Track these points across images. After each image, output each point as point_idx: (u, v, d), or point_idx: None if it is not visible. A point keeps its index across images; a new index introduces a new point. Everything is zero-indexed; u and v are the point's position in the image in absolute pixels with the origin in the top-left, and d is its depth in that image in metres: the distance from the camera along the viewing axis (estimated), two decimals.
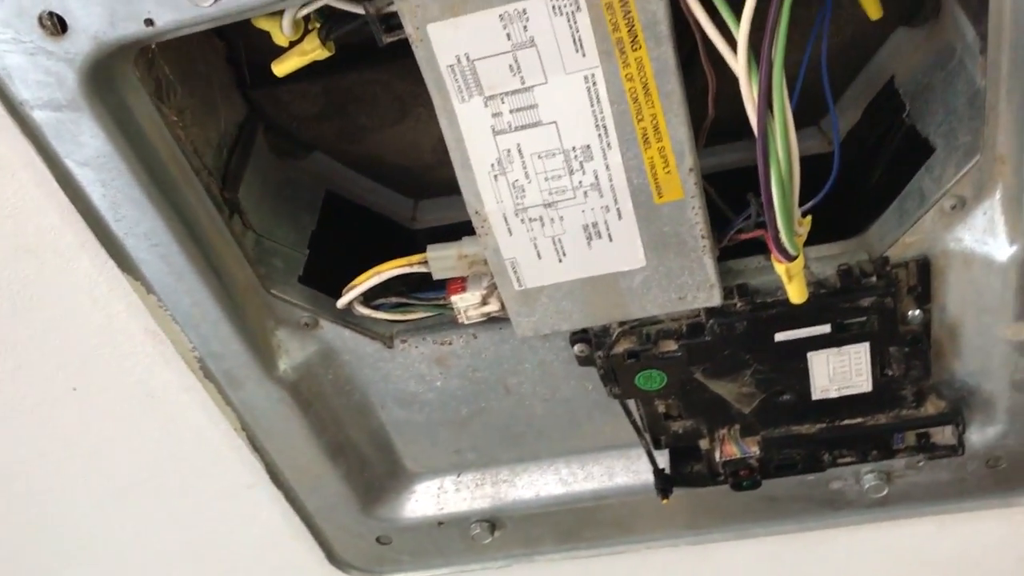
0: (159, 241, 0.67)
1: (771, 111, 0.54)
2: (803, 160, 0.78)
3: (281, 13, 0.59)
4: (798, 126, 0.80)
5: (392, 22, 0.59)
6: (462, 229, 0.69)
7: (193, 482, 0.88)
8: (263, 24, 0.61)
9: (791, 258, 0.60)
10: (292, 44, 0.62)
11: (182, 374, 0.76)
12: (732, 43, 0.55)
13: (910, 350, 0.72)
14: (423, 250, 0.72)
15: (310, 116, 0.82)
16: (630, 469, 0.86)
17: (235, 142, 0.78)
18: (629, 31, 0.56)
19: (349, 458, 0.85)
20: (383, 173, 0.87)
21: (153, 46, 0.65)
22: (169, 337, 0.73)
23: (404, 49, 0.59)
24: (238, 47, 0.78)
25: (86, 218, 0.65)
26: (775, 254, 0.60)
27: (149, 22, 0.55)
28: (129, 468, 0.87)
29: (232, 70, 0.79)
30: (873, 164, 0.76)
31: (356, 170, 0.86)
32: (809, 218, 0.61)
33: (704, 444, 0.80)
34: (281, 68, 0.63)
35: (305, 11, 0.59)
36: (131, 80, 0.62)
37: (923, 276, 0.69)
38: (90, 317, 0.73)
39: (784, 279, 0.63)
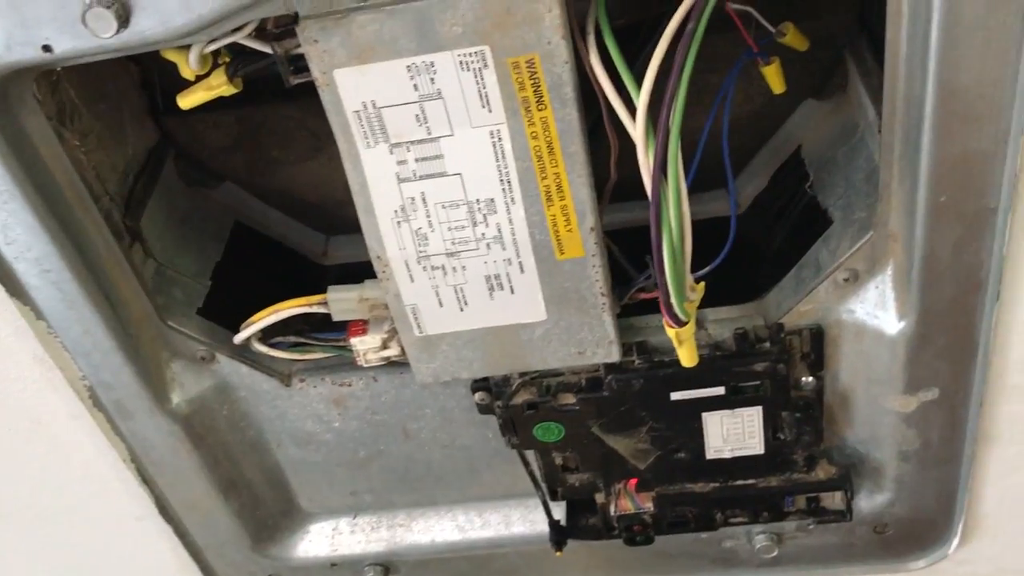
0: (51, 267, 0.65)
1: (665, 178, 0.55)
2: (712, 222, 0.80)
3: (188, 47, 0.59)
4: (708, 188, 0.82)
5: (300, 64, 0.58)
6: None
7: (79, 511, 0.85)
8: (171, 56, 0.60)
9: (681, 323, 0.61)
10: (200, 77, 0.62)
11: (70, 402, 0.74)
12: (634, 110, 0.55)
13: (802, 416, 0.73)
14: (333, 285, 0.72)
15: (223, 146, 0.81)
16: (527, 519, 0.86)
17: (143, 168, 0.77)
18: (535, 91, 0.57)
19: (242, 494, 0.84)
20: (295, 207, 0.86)
21: (58, 68, 0.64)
22: (58, 364, 0.71)
23: None
24: (152, 72, 0.77)
25: None
26: (666, 319, 0.61)
27: (47, 48, 0.54)
28: (12, 494, 0.85)
29: (145, 95, 0.78)
30: (776, 230, 0.78)
31: (268, 203, 0.86)
32: (702, 284, 0.62)
33: (600, 498, 0.81)
34: (186, 101, 0.62)
35: (213, 47, 0.58)
36: (29, 102, 0.60)
37: (816, 344, 0.70)
38: None
39: (675, 343, 0.64)
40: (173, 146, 0.80)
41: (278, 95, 0.76)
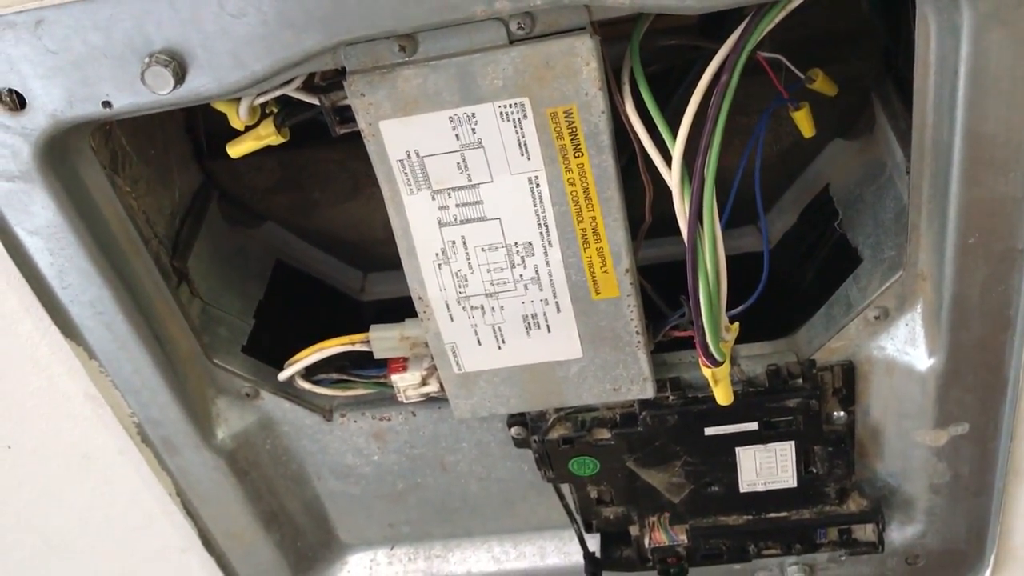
0: (104, 309, 0.68)
1: (701, 225, 0.57)
2: (742, 258, 0.82)
3: (238, 99, 0.61)
4: (739, 224, 0.84)
5: (346, 114, 0.61)
6: (410, 303, 0.71)
7: (126, 543, 0.87)
8: (221, 107, 0.62)
9: (717, 364, 0.63)
10: (249, 127, 0.64)
11: (119, 438, 0.76)
12: (668, 157, 0.57)
13: (833, 450, 0.74)
14: (371, 322, 0.74)
15: (265, 188, 0.83)
16: (562, 551, 0.87)
17: (188, 210, 0.79)
18: (572, 139, 0.59)
19: (283, 527, 0.85)
20: (334, 246, 0.89)
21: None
22: (108, 402, 0.74)
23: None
24: (197, 117, 0.80)
25: (32, 284, 0.66)
26: (702, 359, 0.63)
27: (107, 104, 0.57)
28: (62, 527, 0.87)
29: (190, 139, 0.81)
30: (806, 267, 0.79)
31: (308, 241, 0.88)
32: (736, 324, 0.64)
33: (634, 530, 0.82)
34: (236, 150, 0.65)
35: (262, 99, 0.61)
36: (86, 154, 0.63)
37: (848, 380, 0.71)
38: (30, 378, 0.73)
39: (711, 382, 0.65)
40: (217, 187, 0.83)
41: (319, 139, 0.78)
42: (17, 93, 0.57)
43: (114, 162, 0.69)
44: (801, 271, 0.80)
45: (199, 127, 0.81)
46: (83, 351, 0.70)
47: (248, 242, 0.85)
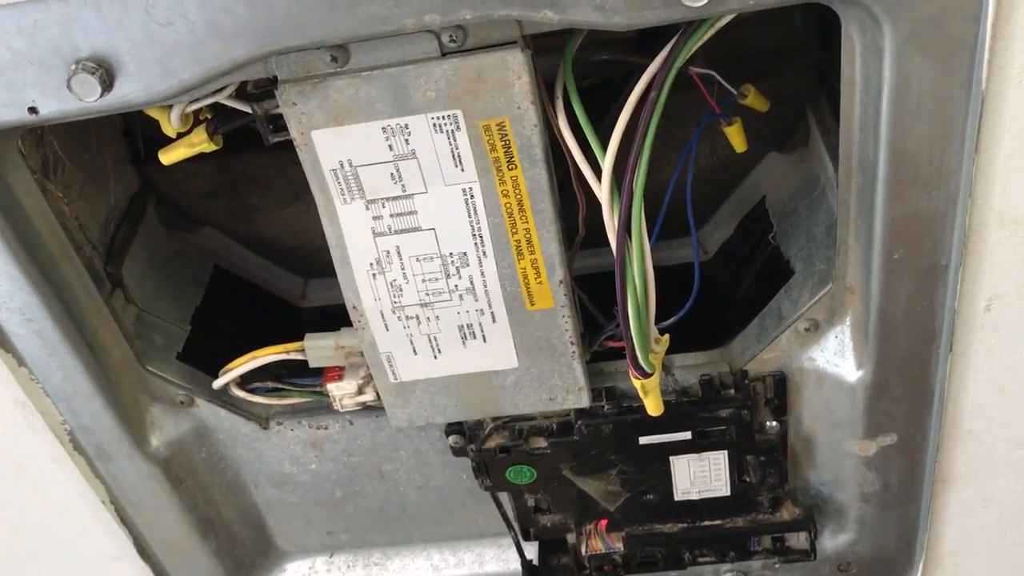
0: (33, 316, 0.66)
1: (629, 238, 0.57)
2: (679, 268, 0.83)
3: (170, 106, 0.60)
4: (679, 235, 0.84)
5: (279, 123, 0.61)
6: None
7: (58, 551, 0.86)
8: (153, 113, 0.62)
9: (647, 375, 0.63)
10: (182, 134, 0.64)
11: (51, 445, 0.75)
12: (600, 170, 0.58)
13: (766, 459, 0.75)
14: (312, 329, 0.73)
15: (203, 193, 0.83)
16: (500, 558, 0.88)
17: (124, 215, 0.79)
18: (505, 152, 0.59)
19: (219, 535, 0.85)
20: (274, 252, 0.88)
21: None
22: (39, 409, 0.73)
23: None
24: (134, 121, 0.79)
25: None
26: (632, 370, 0.63)
27: (33, 110, 0.56)
28: None
29: (127, 143, 0.80)
30: (741, 278, 0.80)
31: (247, 247, 0.87)
32: (667, 336, 0.64)
33: (571, 538, 0.82)
34: (168, 157, 0.64)
35: (194, 107, 0.60)
36: (13, 159, 0.62)
37: (779, 390, 0.72)
38: None
39: (640, 393, 0.66)
40: (154, 192, 0.82)
41: (257, 145, 0.78)
42: None
43: (45, 167, 0.68)
44: (737, 282, 0.81)
45: (136, 131, 0.80)
46: (12, 358, 0.69)
47: (186, 247, 0.84)
